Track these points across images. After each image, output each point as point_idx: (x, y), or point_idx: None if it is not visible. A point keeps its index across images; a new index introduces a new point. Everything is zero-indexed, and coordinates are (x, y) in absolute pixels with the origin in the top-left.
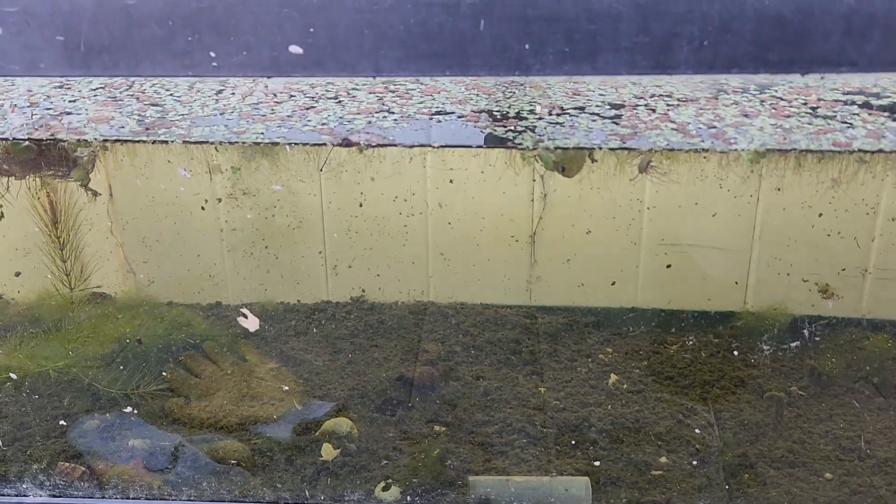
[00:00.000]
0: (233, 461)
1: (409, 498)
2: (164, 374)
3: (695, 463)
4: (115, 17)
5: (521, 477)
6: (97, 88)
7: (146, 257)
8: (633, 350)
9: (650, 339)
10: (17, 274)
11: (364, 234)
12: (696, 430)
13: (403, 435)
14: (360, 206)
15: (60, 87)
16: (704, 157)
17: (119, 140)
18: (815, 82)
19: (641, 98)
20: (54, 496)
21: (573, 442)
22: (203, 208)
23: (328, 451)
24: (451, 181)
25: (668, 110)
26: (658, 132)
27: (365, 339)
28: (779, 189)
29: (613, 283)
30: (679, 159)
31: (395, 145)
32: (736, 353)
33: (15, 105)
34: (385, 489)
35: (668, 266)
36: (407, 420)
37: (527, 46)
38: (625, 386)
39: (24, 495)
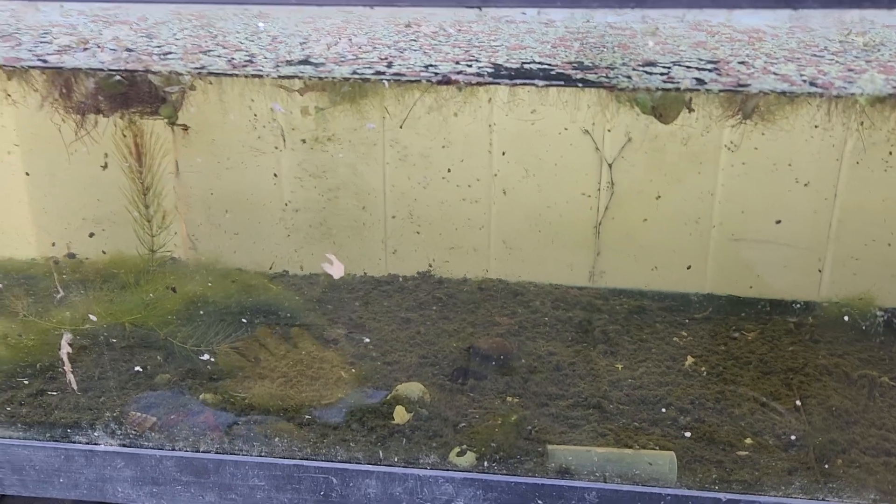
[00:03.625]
0: (307, 417)
1: (485, 464)
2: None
3: (782, 445)
4: None
5: (603, 448)
6: (181, 38)
7: (213, 231)
8: (709, 335)
9: (727, 325)
10: (91, 235)
11: (428, 211)
12: (782, 414)
13: (476, 403)
14: (424, 187)
15: (146, 36)
16: (814, 104)
17: (212, 73)
18: None
19: (736, 55)
20: (125, 446)
21: (652, 418)
22: (275, 175)
23: (400, 415)
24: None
25: (768, 65)
26: (761, 81)
27: (434, 312)
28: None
29: (689, 268)
30: (785, 107)
31: (496, 83)
32: (819, 341)
33: (104, 45)
34: (460, 454)
35: (779, 222)
36: (479, 389)
37: None
38: (703, 369)
39: (96, 443)
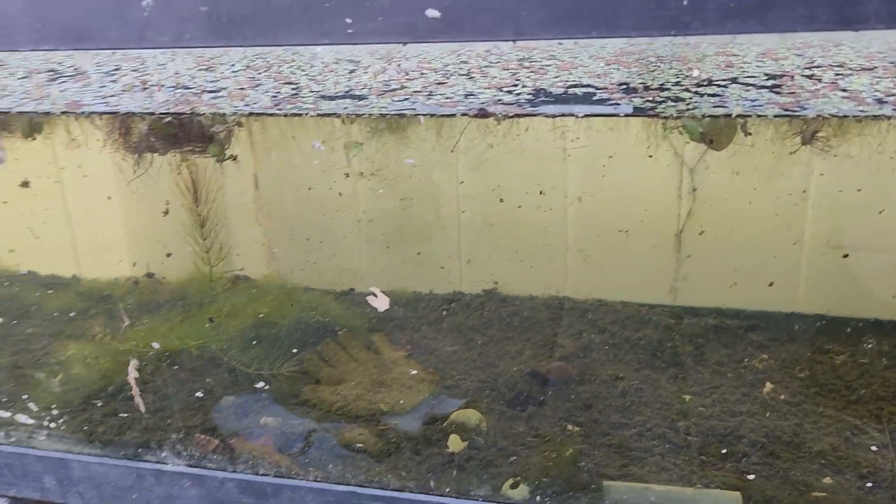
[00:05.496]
0: (359, 445)
1: (538, 498)
2: (297, 357)
3: (869, 485)
4: None
5: (662, 486)
6: (238, 70)
7: (288, 244)
8: (792, 358)
9: (813, 347)
10: (169, 255)
11: (499, 224)
12: (871, 450)
13: (534, 432)
14: (501, 200)
15: (206, 69)
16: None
17: (253, 114)
18: None
19: (806, 68)
20: (191, 466)
21: (721, 452)
22: (341, 194)
23: (455, 443)
24: (602, 166)
25: (838, 79)
26: (825, 100)
27: (498, 332)
28: None
29: (771, 284)
30: (851, 130)
31: (535, 115)
32: None
33: (162, 84)
34: (513, 487)
35: (846, 256)
36: (538, 416)
37: (684, 2)
38: (782, 396)
39: (164, 462)
